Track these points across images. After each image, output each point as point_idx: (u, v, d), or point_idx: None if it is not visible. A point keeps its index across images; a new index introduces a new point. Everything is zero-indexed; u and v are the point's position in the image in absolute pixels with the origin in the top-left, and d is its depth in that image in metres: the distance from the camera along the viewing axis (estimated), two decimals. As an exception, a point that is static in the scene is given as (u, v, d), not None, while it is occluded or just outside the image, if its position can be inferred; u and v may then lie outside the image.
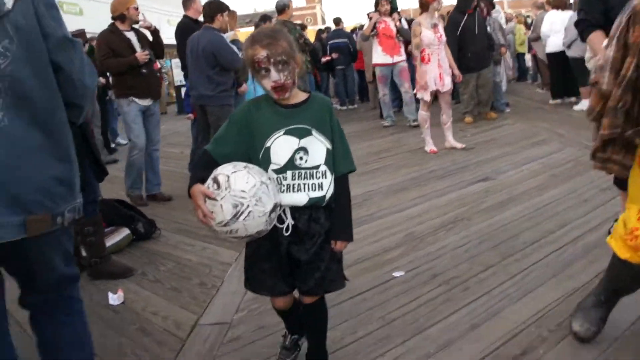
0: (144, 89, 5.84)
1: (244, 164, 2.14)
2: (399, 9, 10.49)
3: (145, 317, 3.32)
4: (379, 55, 9.45)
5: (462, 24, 8.66)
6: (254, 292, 2.45)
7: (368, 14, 10.90)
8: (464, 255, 3.72)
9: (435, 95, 7.12)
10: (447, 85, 7.06)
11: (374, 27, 9.39)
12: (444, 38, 7.10)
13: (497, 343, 2.64)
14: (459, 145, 7.26)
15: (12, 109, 1.81)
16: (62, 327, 2.14)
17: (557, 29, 9.61)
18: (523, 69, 15.46)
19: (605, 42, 2.42)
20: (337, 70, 12.90)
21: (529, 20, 15.57)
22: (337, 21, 14.15)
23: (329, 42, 12.80)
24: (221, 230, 2.06)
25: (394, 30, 9.29)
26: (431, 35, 6.91)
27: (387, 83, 9.65)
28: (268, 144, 2.21)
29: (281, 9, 8.95)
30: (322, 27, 19.41)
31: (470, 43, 8.66)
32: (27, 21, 1.83)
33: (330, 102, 2.41)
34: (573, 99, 9.85)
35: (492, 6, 10.03)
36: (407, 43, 9.34)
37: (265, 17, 10.17)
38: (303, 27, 12.72)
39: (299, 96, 2.29)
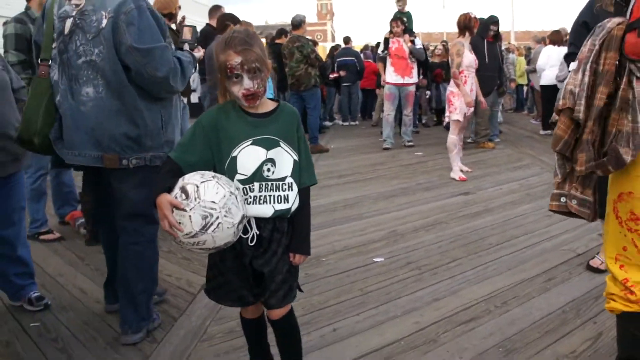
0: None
1: (211, 173, 2.08)
2: (414, 30, 10.79)
3: (161, 278, 3.90)
4: (390, 75, 9.46)
5: (479, 49, 8.47)
6: (219, 303, 2.41)
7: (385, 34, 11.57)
8: (437, 250, 4.33)
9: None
10: (472, 109, 7.21)
11: (386, 46, 9.62)
12: (477, 62, 7.25)
13: (452, 312, 3.24)
14: (467, 169, 7.33)
15: (104, 87, 2.77)
16: (125, 250, 2.99)
17: (552, 62, 10.21)
18: (521, 100, 16.09)
19: (574, 65, 2.22)
20: (342, 87, 13.54)
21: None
22: (347, 40, 14.81)
23: (338, 60, 13.44)
24: (188, 241, 1.98)
25: (407, 51, 9.27)
26: (472, 57, 7.05)
27: (394, 102, 9.62)
28: (235, 154, 2.13)
29: (297, 24, 9.58)
30: (332, 43, 20.10)
31: (484, 69, 8.44)
32: (111, 34, 2.71)
33: (297, 112, 2.34)
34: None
35: (498, 37, 9.90)
36: (419, 64, 9.83)
37: (282, 32, 10.83)
38: (315, 42, 13.41)
39: (267, 105, 2.23)
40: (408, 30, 9.79)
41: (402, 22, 9.58)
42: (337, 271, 3.90)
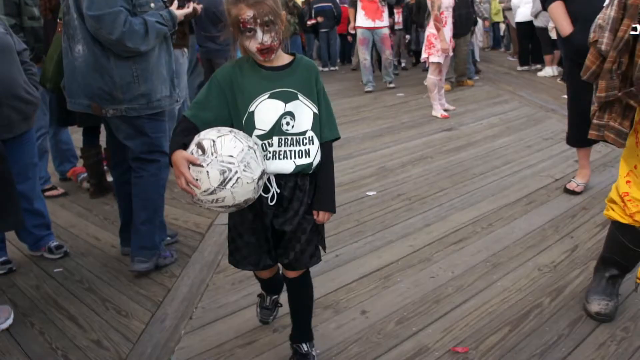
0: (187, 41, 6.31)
1: (228, 128, 1.99)
2: None
3: (170, 222, 4.13)
4: (361, 19, 9.45)
5: None
6: (237, 267, 2.30)
7: None
8: (424, 181, 4.63)
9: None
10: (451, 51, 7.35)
11: None
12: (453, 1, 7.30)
13: (443, 235, 3.55)
14: (452, 107, 7.58)
15: (86, 46, 3.06)
16: (134, 185, 3.32)
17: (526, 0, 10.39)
18: (497, 38, 16.24)
19: (607, 1, 2.31)
20: (321, 33, 13.60)
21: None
22: (323, -15, 14.79)
23: (314, 6, 13.44)
24: (206, 199, 1.89)
25: None
26: None
27: (368, 46, 9.66)
28: (252, 109, 2.04)
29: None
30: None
31: (455, 9, 8.28)
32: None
33: (315, 65, 2.22)
34: (539, 66, 10.70)
35: None
36: (390, 8, 9.76)
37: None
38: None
39: (284, 58, 2.12)
40: None
41: None
42: (334, 206, 4.17)
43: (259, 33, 1.95)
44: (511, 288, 2.85)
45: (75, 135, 5.44)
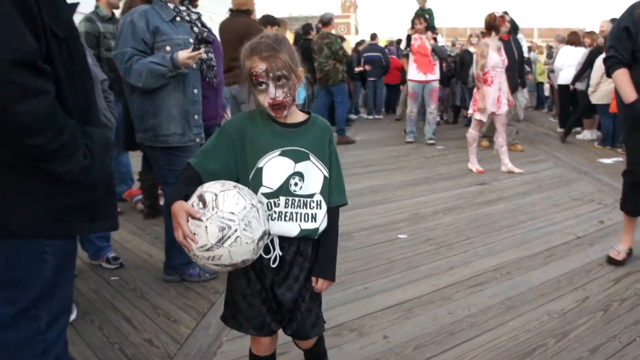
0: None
1: (233, 183, 1.92)
2: (436, 27, 10.90)
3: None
4: (412, 72, 9.63)
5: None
6: (239, 330, 2.17)
7: (408, 30, 11.90)
8: (453, 229, 4.95)
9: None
10: (504, 107, 7.21)
11: (409, 43, 9.74)
12: (506, 61, 7.27)
13: (464, 278, 3.86)
14: (517, 170, 7.37)
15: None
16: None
17: (569, 63, 10.68)
18: (541, 98, 16.50)
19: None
20: (368, 82, 14.12)
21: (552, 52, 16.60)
22: (373, 36, 15.38)
23: (364, 55, 14.01)
24: (202, 255, 1.81)
25: (429, 48, 9.40)
26: (497, 58, 7.06)
27: (417, 100, 9.83)
28: (261, 164, 1.99)
29: (327, 22, 10.16)
30: (355, 36, 20.60)
31: None
32: None
33: (330, 127, 2.19)
34: (579, 128, 10.93)
35: (515, 31, 9.61)
36: (441, 61, 9.83)
37: (310, 28, 11.40)
38: (342, 39, 13.99)
39: (298, 116, 2.11)
40: (430, 27, 9.84)
41: (425, 19, 9.68)
42: (366, 244, 4.53)
43: (271, 88, 1.93)
44: (521, 328, 3.15)
45: (133, 160, 5.94)
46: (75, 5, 1.96)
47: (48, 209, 1.77)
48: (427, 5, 11.62)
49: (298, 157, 2.03)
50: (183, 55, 3.30)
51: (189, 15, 3.54)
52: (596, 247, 4.46)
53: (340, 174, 2.15)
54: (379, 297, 3.57)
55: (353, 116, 13.80)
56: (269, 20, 7.36)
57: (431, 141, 9.81)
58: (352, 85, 13.46)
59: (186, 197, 1.87)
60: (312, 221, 2.06)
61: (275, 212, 2.01)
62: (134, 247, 4.60)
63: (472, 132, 7.46)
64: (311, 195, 2.05)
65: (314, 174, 2.06)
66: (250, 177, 2.01)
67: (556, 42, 14.74)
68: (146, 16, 3.35)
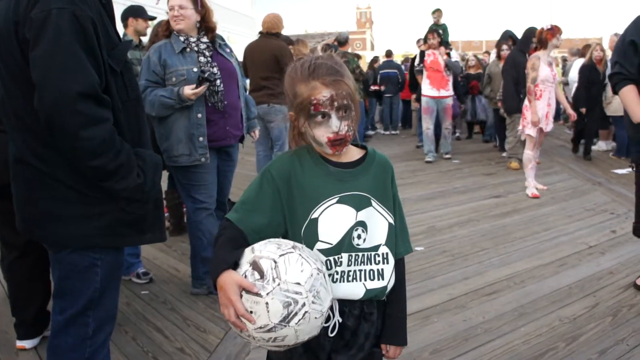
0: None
1: (289, 242, 1.57)
2: (449, 42, 10.96)
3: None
4: (426, 88, 9.51)
5: (520, 65, 8.27)
6: None
7: (418, 41, 11.95)
8: (468, 241, 5.13)
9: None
10: (550, 125, 6.95)
11: (422, 59, 9.63)
12: (557, 77, 7.00)
13: (479, 287, 4.04)
14: (539, 186, 7.19)
15: None
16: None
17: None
18: (557, 110, 16.52)
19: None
20: (384, 98, 14.33)
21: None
22: (389, 53, 15.62)
23: (380, 72, 14.24)
24: (261, 336, 1.46)
25: (442, 63, 9.29)
26: (548, 72, 6.76)
27: (432, 116, 9.66)
28: (315, 215, 1.65)
29: (344, 41, 10.39)
30: (371, 52, 20.84)
31: (524, 85, 7.94)
32: None
33: (390, 162, 1.84)
34: (594, 140, 11.01)
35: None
36: (455, 77, 9.67)
37: (328, 48, 11.59)
38: (358, 57, 14.22)
39: (353, 153, 1.77)
40: (444, 42, 9.78)
41: (438, 34, 9.58)
42: (385, 257, 4.72)
43: (334, 119, 1.59)
44: (532, 333, 3.32)
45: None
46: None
47: (102, 224, 2.05)
48: (442, 20, 11.73)
49: (359, 204, 1.69)
50: (187, 91, 3.61)
51: (197, 45, 3.79)
52: (607, 256, 4.62)
53: (403, 219, 1.84)
54: (397, 306, 3.75)
55: (370, 132, 14.00)
56: (284, 40, 7.54)
57: (447, 156, 9.86)
58: (367, 102, 13.68)
59: (235, 265, 1.49)
60: (379, 279, 1.71)
61: (337, 272, 1.67)
62: (162, 262, 4.82)
63: (528, 153, 7.02)
64: (376, 248, 1.71)
65: (378, 222, 1.72)
66: (303, 231, 1.66)
67: (569, 54, 14.87)
68: (159, 51, 3.73)
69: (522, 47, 8.64)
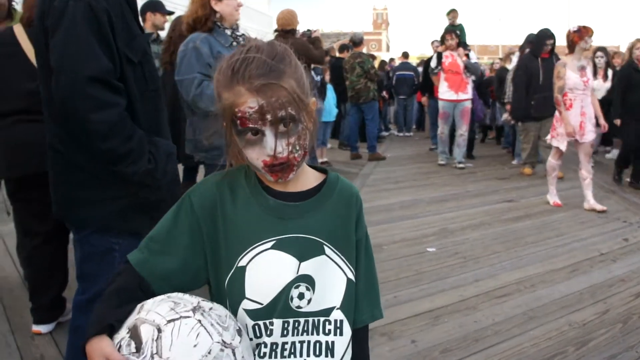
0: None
1: (194, 300, 1.14)
2: (467, 43, 10.63)
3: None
4: (443, 91, 9.23)
5: (532, 69, 8.13)
6: None
7: (433, 43, 11.85)
8: (480, 244, 5.15)
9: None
10: (588, 135, 6.39)
11: (439, 61, 9.31)
12: (591, 83, 6.47)
13: (490, 289, 4.07)
14: (599, 207, 6.45)
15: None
16: None
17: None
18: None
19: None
20: (399, 100, 14.36)
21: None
22: (406, 55, 15.67)
23: (397, 73, 14.27)
24: None
25: (461, 65, 9.00)
26: (576, 79, 6.31)
27: (447, 121, 9.41)
28: (243, 262, 1.24)
29: (359, 42, 10.43)
30: (386, 53, 20.89)
31: (536, 90, 8.09)
32: None
33: (357, 193, 1.40)
34: (608, 148, 10.99)
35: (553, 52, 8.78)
36: (479, 80, 9.38)
37: (344, 48, 11.64)
38: (373, 57, 14.24)
39: (308, 179, 1.35)
40: (462, 43, 9.49)
41: (456, 34, 9.34)
42: (396, 257, 4.76)
43: (269, 138, 1.18)
44: (542, 337, 3.34)
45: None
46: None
47: (117, 208, 2.14)
48: (458, 21, 11.54)
49: (305, 251, 1.26)
50: None
51: (237, 39, 3.80)
52: (619, 263, 4.63)
53: (373, 273, 1.40)
54: (408, 305, 3.79)
55: (384, 133, 14.03)
56: (305, 35, 7.54)
57: (461, 165, 9.39)
58: (382, 103, 13.71)
59: (112, 329, 1.10)
60: (327, 355, 1.26)
61: (266, 344, 1.23)
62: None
63: (552, 161, 6.79)
64: (327, 312, 1.27)
65: (331, 277, 1.29)
66: (227, 283, 1.25)
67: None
68: (209, 42, 3.55)
69: (534, 51, 8.37)
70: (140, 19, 2.32)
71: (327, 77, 10.12)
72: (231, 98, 1.18)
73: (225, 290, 1.26)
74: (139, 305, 1.14)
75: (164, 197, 2.19)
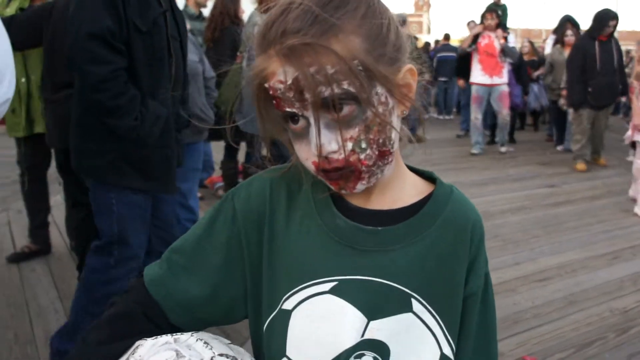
0: None
1: (206, 352, 0.80)
2: (507, 25, 9.81)
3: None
4: (477, 74, 8.64)
5: (589, 52, 7.52)
6: None
7: (469, 24, 11.46)
8: (520, 228, 5.14)
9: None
10: None
11: (475, 41, 8.58)
12: None
13: (529, 273, 4.06)
14: None
15: None
16: None
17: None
18: (618, 104, 16.09)
19: None
20: (439, 82, 14.22)
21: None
22: (447, 36, 15.48)
23: (438, 55, 14.11)
24: None
25: (498, 48, 8.39)
26: None
27: (481, 105, 8.80)
28: (288, 305, 0.87)
29: (402, 22, 10.28)
30: (427, 35, 20.63)
31: (593, 76, 7.47)
32: None
33: (478, 218, 0.96)
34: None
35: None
36: (512, 64, 8.85)
37: (401, 20, 11.48)
38: (416, 39, 14.08)
39: (404, 189, 0.94)
40: (502, 25, 8.72)
41: (497, 15, 8.64)
42: (436, 238, 4.77)
43: (313, 129, 0.78)
44: (582, 321, 3.34)
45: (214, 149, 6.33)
46: (165, 11, 2.47)
47: (109, 159, 2.41)
48: (502, 1, 10.72)
49: (379, 304, 0.86)
50: None
51: None
52: (663, 252, 4.57)
53: (491, 335, 1.01)
54: (447, 285, 3.80)
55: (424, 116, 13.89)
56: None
57: (503, 149, 9.05)
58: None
59: None
60: None
61: None
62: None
63: (637, 162, 5.84)
64: None
65: (416, 347, 0.87)
66: (266, 326, 0.90)
67: (637, 46, 14.38)
68: None
69: (593, 32, 7.67)
70: None
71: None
72: (261, 65, 0.79)
73: (263, 337, 0.90)
74: (134, 346, 0.82)
75: (150, 155, 2.47)
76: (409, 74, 0.85)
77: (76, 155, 2.50)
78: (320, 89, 0.74)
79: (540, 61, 10.77)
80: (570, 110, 8.51)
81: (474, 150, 9.05)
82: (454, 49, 14.46)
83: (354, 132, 0.78)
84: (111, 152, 2.40)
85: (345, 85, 0.75)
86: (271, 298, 0.89)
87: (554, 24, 7.88)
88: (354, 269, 0.86)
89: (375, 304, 0.85)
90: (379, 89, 0.79)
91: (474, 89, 8.84)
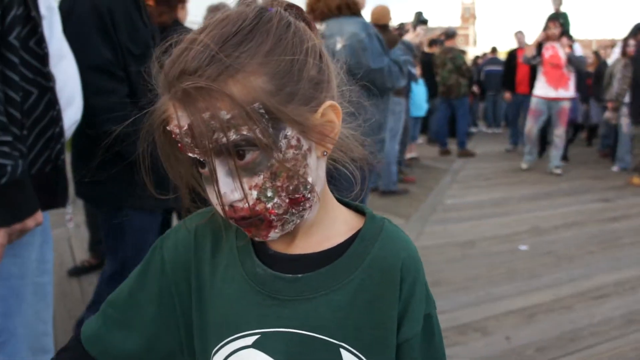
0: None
1: None
2: (571, 33, 9.28)
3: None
4: (540, 86, 8.13)
5: None
6: None
7: (516, 34, 11.11)
8: (574, 243, 5.04)
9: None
10: None
11: (539, 52, 8.16)
12: None
13: (585, 290, 3.99)
14: None
15: None
16: None
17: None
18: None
19: None
20: (487, 96, 14.10)
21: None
22: (494, 49, 15.35)
23: (485, 69, 14.01)
24: None
25: (563, 58, 7.91)
26: None
27: (538, 120, 8.37)
28: (219, 356, 0.85)
29: (451, 36, 10.32)
30: (473, 48, 20.47)
31: None
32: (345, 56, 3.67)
33: (411, 255, 0.84)
34: None
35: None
36: (579, 75, 8.45)
37: (434, 42, 11.45)
38: (464, 53, 13.98)
39: (332, 228, 0.86)
40: (565, 33, 8.36)
41: (560, 23, 8.29)
42: (488, 253, 4.73)
43: (221, 174, 0.74)
44: (643, 341, 3.27)
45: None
46: (153, 32, 2.53)
47: (119, 186, 2.38)
48: (562, 9, 9.97)
49: (304, 357, 0.81)
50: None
51: None
52: None
53: None
54: (501, 302, 3.77)
55: (472, 129, 13.81)
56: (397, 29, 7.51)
57: (558, 170, 8.34)
58: (472, 98, 13.49)
59: None
60: None
61: None
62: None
63: None
64: None
65: None
66: None
67: None
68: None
69: None
70: (145, 14, 2.50)
71: (418, 72, 10.00)
72: (162, 107, 0.75)
73: None
74: None
75: (144, 178, 2.53)
76: (331, 110, 0.78)
77: (81, 186, 2.51)
78: (216, 135, 0.70)
79: (597, 73, 10.24)
80: (624, 124, 8.30)
81: (524, 165, 8.75)
82: (500, 62, 14.34)
83: (258, 179, 0.73)
84: (117, 177, 2.47)
85: (244, 131, 0.69)
86: (203, 350, 0.87)
87: (604, 34, 7.36)
88: (276, 320, 0.81)
89: (301, 357, 0.80)
90: (289, 132, 0.73)
91: (533, 101, 8.36)
